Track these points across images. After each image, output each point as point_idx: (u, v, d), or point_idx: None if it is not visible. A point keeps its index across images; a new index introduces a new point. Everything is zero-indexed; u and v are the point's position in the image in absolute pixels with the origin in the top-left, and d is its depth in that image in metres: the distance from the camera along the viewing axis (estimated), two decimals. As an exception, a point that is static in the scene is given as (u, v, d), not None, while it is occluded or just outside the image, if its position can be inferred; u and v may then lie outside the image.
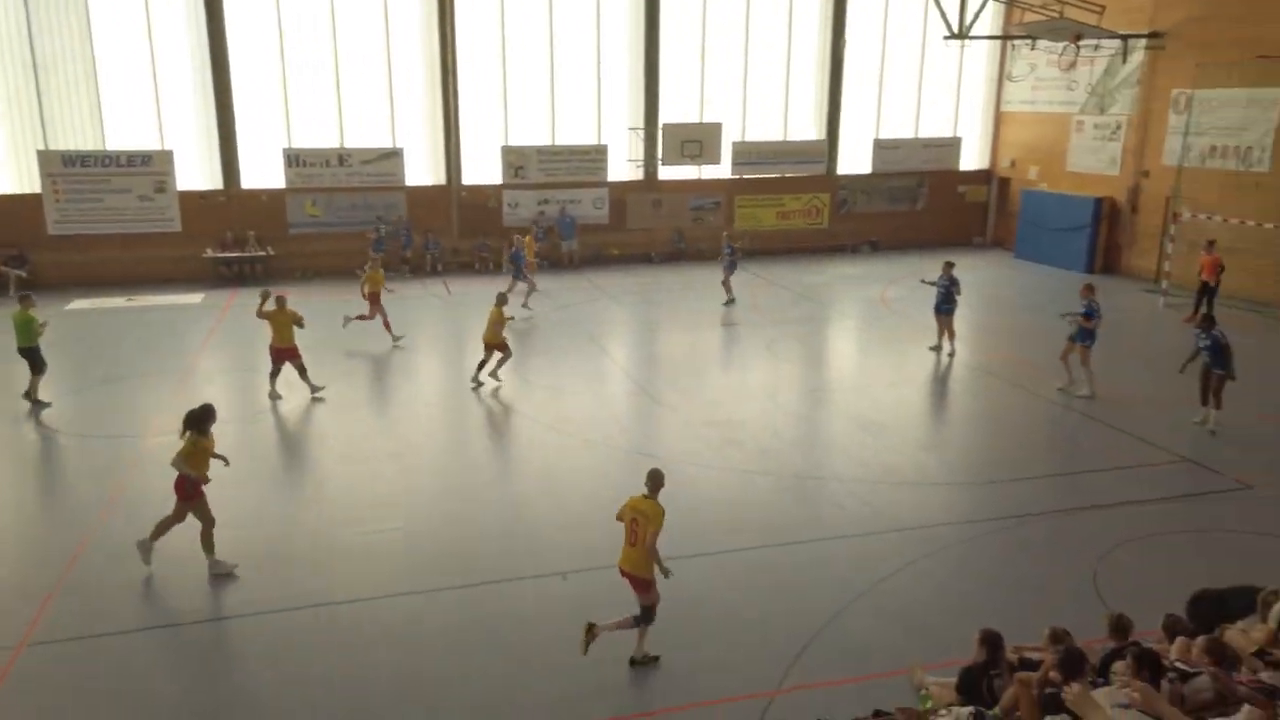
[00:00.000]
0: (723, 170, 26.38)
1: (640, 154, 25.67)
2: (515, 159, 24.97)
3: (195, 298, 21.38)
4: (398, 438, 12.84)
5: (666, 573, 7.41)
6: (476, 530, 10.02)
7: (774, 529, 9.94)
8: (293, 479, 11.75)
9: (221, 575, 8.94)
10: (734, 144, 26.21)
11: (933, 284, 16.54)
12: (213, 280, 22.63)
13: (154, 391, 14.64)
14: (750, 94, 26.43)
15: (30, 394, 13.70)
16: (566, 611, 8.31)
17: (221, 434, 9.44)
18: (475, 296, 20.68)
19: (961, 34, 24.07)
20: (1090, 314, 13.95)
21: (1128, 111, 23.52)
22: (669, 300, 21.60)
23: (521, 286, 20.27)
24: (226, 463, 9.28)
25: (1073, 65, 23.66)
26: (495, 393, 14.57)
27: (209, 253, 23.01)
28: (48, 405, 13.71)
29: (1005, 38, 26.58)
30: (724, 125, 25.74)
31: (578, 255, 25.16)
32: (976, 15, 23.75)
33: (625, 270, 24.79)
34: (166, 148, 22.56)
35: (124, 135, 22.41)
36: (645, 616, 7.56)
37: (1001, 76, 27.79)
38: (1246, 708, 4.53)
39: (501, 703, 7.20)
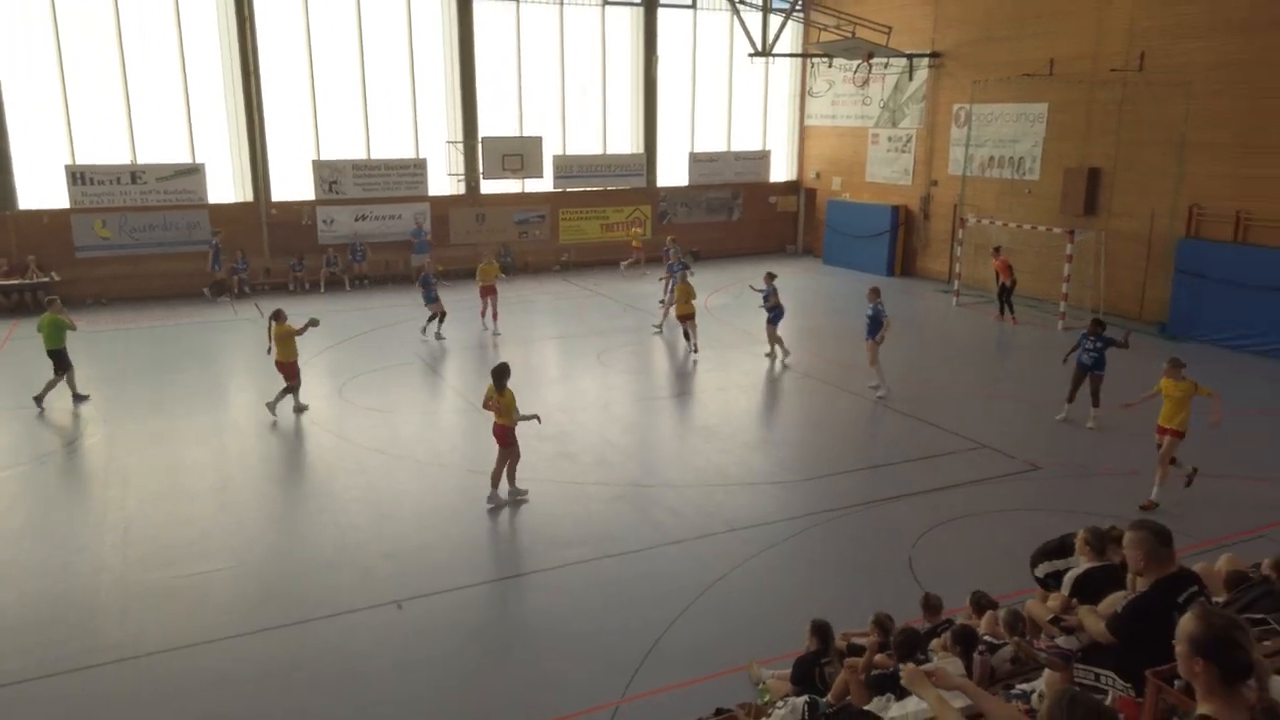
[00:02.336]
0: (545, 183, 26.47)
1: (461, 168, 25.36)
2: (328, 174, 24.08)
3: (-34, 331, 19.33)
4: (214, 471, 12.07)
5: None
6: (303, 563, 9.56)
7: (611, 539, 10.04)
8: (94, 523, 10.78)
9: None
10: (555, 157, 26.36)
11: (760, 290, 17.13)
12: (-14, 311, 20.54)
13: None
14: (569, 108, 26.67)
15: (42, 396, 14.26)
16: (404, 642, 8.08)
17: (7, 480, 8.57)
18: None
19: (765, 52, 25.27)
20: (877, 316, 14.78)
21: (916, 125, 25.39)
22: (498, 320, 21.37)
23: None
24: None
25: (866, 82, 25.34)
26: (295, 415, 13.98)
27: (-19, 281, 20.90)
28: (86, 398, 14.61)
29: (805, 55, 28.09)
30: (544, 139, 25.85)
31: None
32: (778, 35, 25.02)
33: (451, 287, 24.32)
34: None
35: None
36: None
37: (803, 92, 29.36)
38: (1047, 672, 4.98)
39: (340, 742, 6.91)
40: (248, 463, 12.54)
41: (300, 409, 14.21)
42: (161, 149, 22.60)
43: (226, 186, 23.45)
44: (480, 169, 25.26)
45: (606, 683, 7.48)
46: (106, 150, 22.11)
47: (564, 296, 23.42)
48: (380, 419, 14.11)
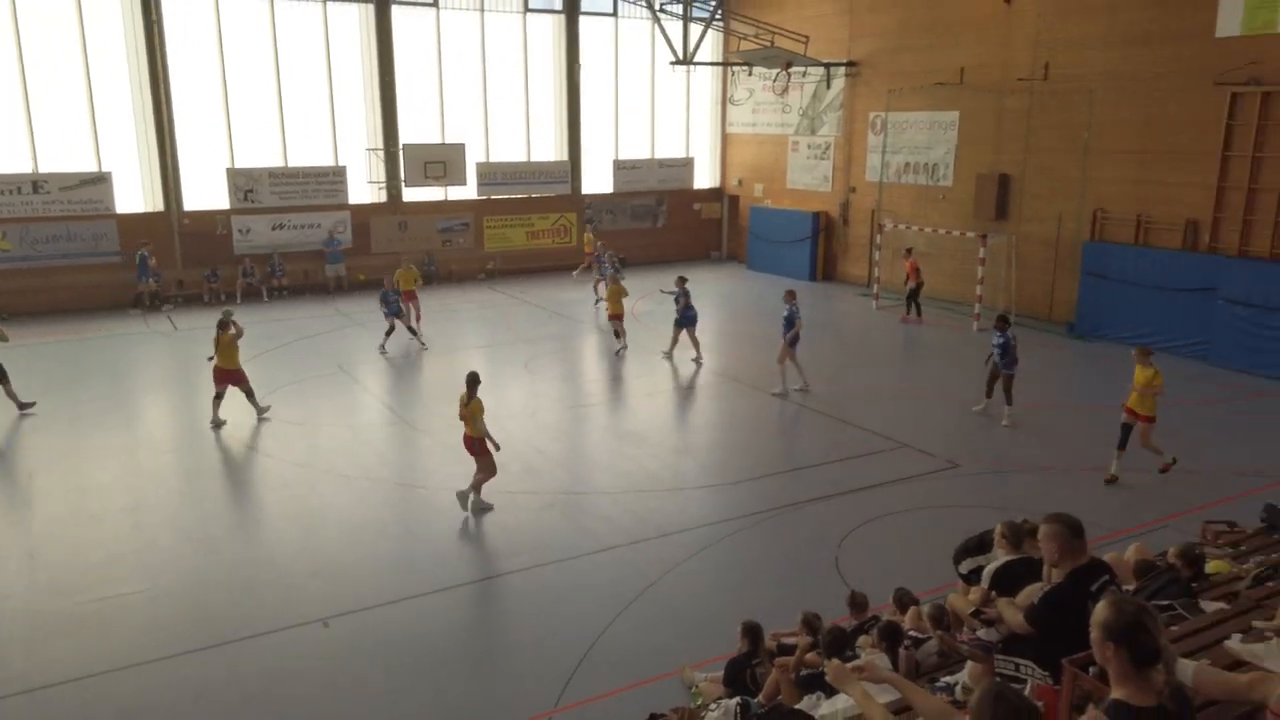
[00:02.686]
0: (469, 191, 26.24)
1: (382, 175, 24.98)
2: (244, 182, 23.46)
3: None
4: (126, 491, 11.62)
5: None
6: (222, 585, 9.27)
7: (543, 548, 9.99)
8: (-4, 550, 10.30)
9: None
10: (478, 165, 26.16)
11: (671, 293, 17.61)
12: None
13: None
14: (492, 115, 26.50)
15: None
16: (332, 661, 7.91)
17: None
18: (207, 331, 19.18)
19: (686, 60, 25.52)
20: (791, 318, 15.11)
21: (834, 133, 25.94)
22: (422, 324, 21.10)
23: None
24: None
25: (785, 90, 25.79)
26: (222, 431, 13.58)
27: None
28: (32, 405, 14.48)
29: (725, 64, 28.45)
30: (467, 146, 25.64)
31: (346, 280, 24.25)
32: (698, 43, 25.30)
33: (374, 295, 23.93)
34: None
35: None
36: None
37: (724, 100, 29.74)
38: (969, 664, 5.14)
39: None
40: (163, 481, 12.11)
41: (219, 424, 13.84)
42: (65, 157, 21.71)
43: (136, 196, 22.64)
44: (402, 176, 24.91)
45: (539, 693, 7.44)
46: (5, 159, 21.15)
47: (490, 305, 23.24)
48: (303, 432, 13.79)
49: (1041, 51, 19.98)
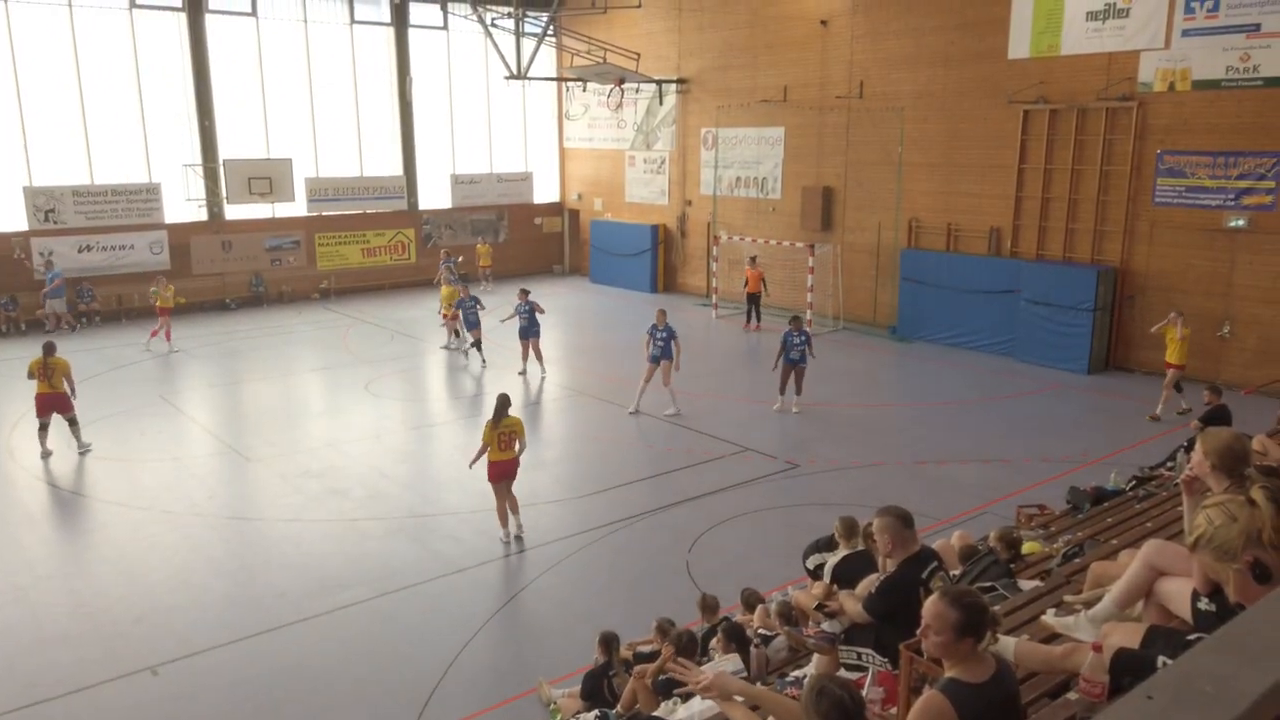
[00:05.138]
0: (298, 208, 25.19)
1: (202, 192, 23.61)
2: (44, 201, 21.64)
3: None
4: (-90, 546, 10.45)
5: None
6: (32, 639, 8.48)
7: (390, 575, 9.69)
8: None
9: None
10: (308, 180, 25.16)
11: (512, 317, 17.40)
12: None
13: None
14: (320, 129, 25.56)
15: None
16: (162, 710, 7.39)
17: None
18: (5, 365, 17.57)
19: (520, 75, 25.48)
20: (669, 337, 15.06)
21: (669, 148, 26.55)
22: (251, 348, 20.10)
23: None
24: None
25: (620, 106, 26.17)
26: (42, 461, 12.48)
27: None
28: None
29: (559, 79, 28.60)
30: (294, 160, 24.62)
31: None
32: (532, 58, 25.30)
33: (196, 320, 22.61)
34: None
35: None
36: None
37: (561, 115, 29.88)
38: (816, 657, 5.37)
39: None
40: (-43, 531, 10.97)
41: (47, 454, 13.12)
42: None
43: (-87, 217, 20.48)
44: (224, 193, 23.65)
45: (393, 725, 7.21)
46: None
47: (326, 325, 22.38)
48: (121, 469, 12.82)
49: (856, 71, 21.19)
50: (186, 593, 9.36)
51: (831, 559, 6.00)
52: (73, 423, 13.33)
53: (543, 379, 17.31)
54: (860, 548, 5.90)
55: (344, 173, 26.05)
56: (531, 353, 17.42)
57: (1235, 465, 3.66)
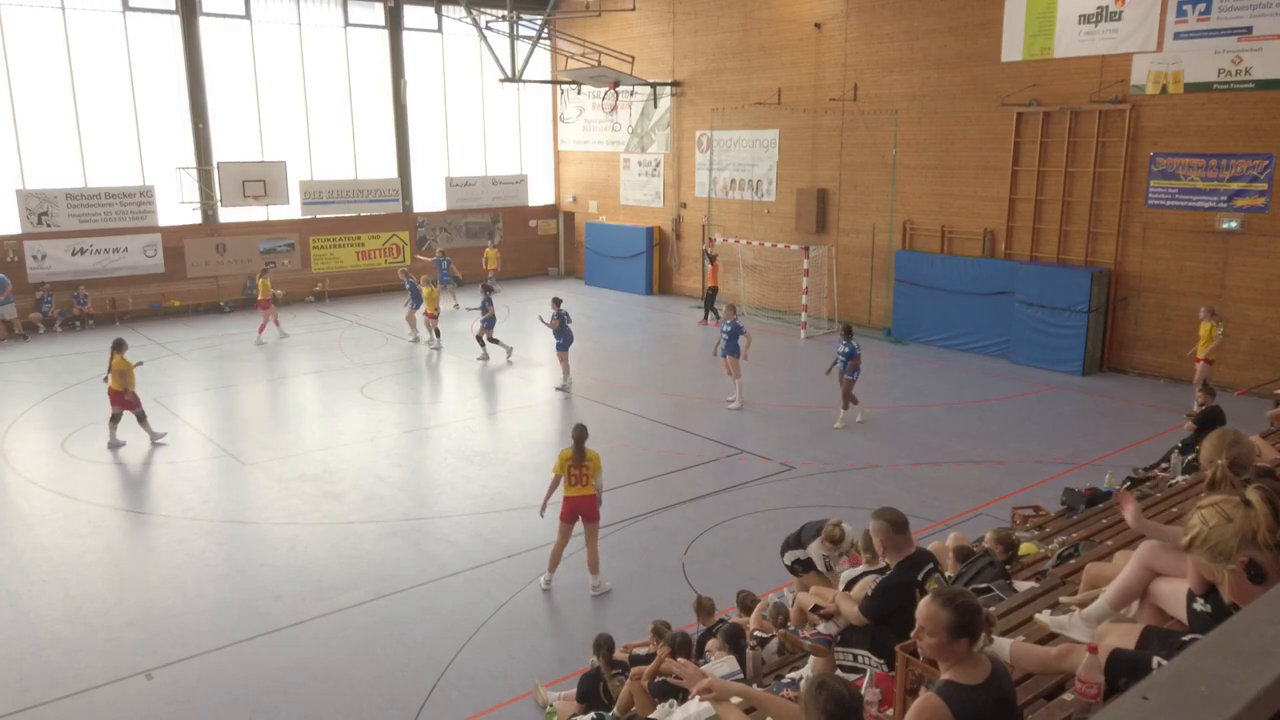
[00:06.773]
0: (293, 210, 25.16)
1: (196, 195, 23.57)
2: (36, 204, 21.59)
3: None
4: (-97, 550, 10.41)
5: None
6: (26, 642, 8.46)
7: (386, 578, 9.68)
8: None
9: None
10: (302, 183, 25.14)
11: (547, 324, 16.97)
12: None
13: None
14: (314, 132, 25.53)
15: None
16: (157, 715, 7.37)
17: None
18: (11, 367, 17.52)
19: (515, 78, 25.48)
20: (734, 332, 15.19)
21: (664, 150, 26.57)
22: (246, 352, 20.06)
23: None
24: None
25: (614, 109, 26.19)
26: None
27: None
28: None
29: (554, 82, 28.61)
30: (289, 163, 24.59)
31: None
32: (527, 61, 25.30)
33: (191, 323, 22.57)
34: None
35: None
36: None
37: (555, 118, 29.89)
38: (812, 658, 5.37)
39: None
40: (-50, 535, 10.93)
41: (115, 445, 13.67)
42: None
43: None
44: (218, 196, 23.61)
45: (389, 728, 7.20)
46: None
47: (321, 329, 22.35)
48: (115, 471, 12.80)
49: (850, 74, 21.23)
50: (181, 596, 9.34)
51: (848, 573, 5.97)
52: (139, 419, 13.81)
53: (566, 387, 17.10)
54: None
55: (338, 176, 26.04)
56: (559, 363, 17.08)
57: (1243, 469, 3.70)
